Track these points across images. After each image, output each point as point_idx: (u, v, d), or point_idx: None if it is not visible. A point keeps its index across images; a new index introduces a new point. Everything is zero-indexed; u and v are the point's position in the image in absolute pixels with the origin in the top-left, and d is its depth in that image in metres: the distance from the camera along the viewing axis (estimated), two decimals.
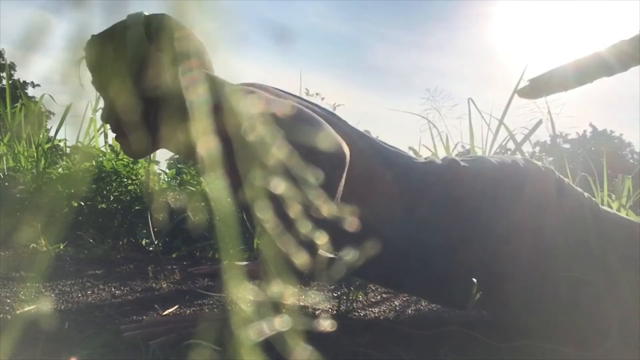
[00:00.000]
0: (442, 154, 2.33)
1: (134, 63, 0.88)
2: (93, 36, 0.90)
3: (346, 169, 0.85)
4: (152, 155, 1.06)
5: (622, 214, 1.77)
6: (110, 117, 0.95)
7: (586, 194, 0.98)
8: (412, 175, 0.94)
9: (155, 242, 1.53)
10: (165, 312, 0.90)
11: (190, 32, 0.86)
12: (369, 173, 0.93)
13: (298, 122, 0.83)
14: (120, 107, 0.87)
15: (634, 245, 0.91)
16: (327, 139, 0.83)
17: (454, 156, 1.02)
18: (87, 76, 0.94)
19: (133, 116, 0.85)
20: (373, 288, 1.26)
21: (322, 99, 2.42)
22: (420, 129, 2.38)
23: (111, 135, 1.08)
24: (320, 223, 0.30)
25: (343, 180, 0.84)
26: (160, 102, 0.87)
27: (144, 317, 0.87)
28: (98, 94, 1.04)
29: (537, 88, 1.34)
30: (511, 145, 2.10)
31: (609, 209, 1.00)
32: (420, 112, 2.37)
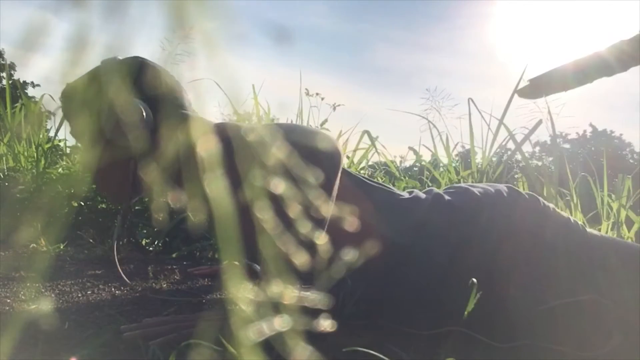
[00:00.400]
0: (442, 154, 2.33)
1: (111, 111, 0.88)
2: (67, 85, 0.90)
3: (341, 168, 0.85)
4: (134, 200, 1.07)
5: (622, 214, 1.77)
6: (90, 166, 0.96)
7: (572, 219, 0.98)
8: (394, 210, 0.95)
9: (155, 242, 1.53)
10: (165, 312, 0.90)
11: (165, 75, 0.88)
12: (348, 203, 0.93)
13: (293, 125, 0.84)
14: (100, 157, 0.87)
15: (625, 262, 0.91)
16: (325, 138, 0.83)
17: (437, 190, 1.01)
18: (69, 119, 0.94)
19: (112, 165, 0.86)
20: None
21: (322, 99, 2.42)
22: (420, 129, 2.38)
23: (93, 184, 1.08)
24: (319, 224, 0.30)
25: (338, 180, 0.85)
26: (140, 151, 0.87)
27: (144, 317, 0.87)
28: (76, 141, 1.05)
29: (537, 88, 1.34)
30: (511, 145, 2.10)
31: (595, 232, 1.00)
32: (420, 112, 2.36)
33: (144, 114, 0.87)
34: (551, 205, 0.99)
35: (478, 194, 0.97)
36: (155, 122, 0.89)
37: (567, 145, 26.27)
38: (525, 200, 0.97)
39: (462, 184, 1.04)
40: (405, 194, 1.00)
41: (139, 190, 0.97)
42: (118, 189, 0.95)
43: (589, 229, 0.98)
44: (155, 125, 0.88)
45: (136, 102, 0.88)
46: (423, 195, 0.99)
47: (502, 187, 1.00)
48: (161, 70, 0.94)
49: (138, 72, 0.92)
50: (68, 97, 0.91)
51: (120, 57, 0.92)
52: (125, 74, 0.91)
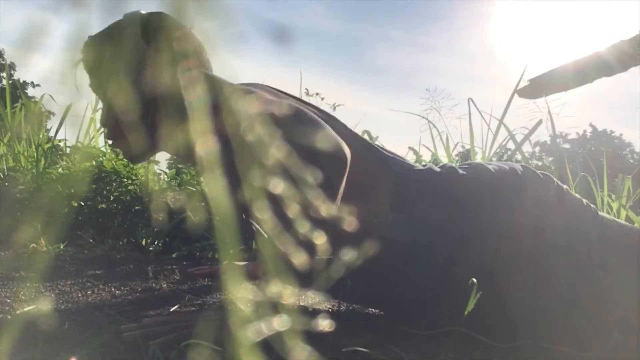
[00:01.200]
0: (442, 154, 2.33)
1: (131, 64, 0.88)
2: (89, 37, 0.90)
3: (347, 170, 0.85)
4: (151, 157, 1.06)
5: (622, 214, 1.77)
6: (109, 119, 0.95)
7: (585, 201, 0.98)
8: (410, 180, 0.94)
9: (155, 242, 1.53)
10: (166, 312, 0.90)
11: (188, 31, 0.86)
12: (367, 177, 0.93)
13: (297, 122, 0.83)
14: (119, 108, 0.86)
15: (633, 248, 0.91)
16: (328, 139, 0.82)
17: (452, 164, 1.02)
18: (85, 78, 0.93)
19: (131, 117, 0.84)
20: None
21: (322, 99, 2.42)
22: (420, 129, 2.38)
23: (109, 142, 1.06)
24: (319, 224, 0.30)
25: (344, 181, 0.84)
26: (158, 103, 0.86)
27: (144, 317, 0.87)
28: (96, 96, 1.04)
29: (537, 88, 1.34)
30: (511, 145, 2.10)
31: (607, 215, 1.00)
32: (420, 112, 2.37)
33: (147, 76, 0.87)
34: (565, 186, 0.99)
35: (492, 170, 0.97)
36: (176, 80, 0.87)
37: (567, 145, 26.27)
38: (539, 178, 0.96)
39: (478, 161, 1.04)
40: (420, 166, 1.00)
41: (157, 143, 0.95)
42: (137, 143, 0.93)
43: (600, 213, 0.98)
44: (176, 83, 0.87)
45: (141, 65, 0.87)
46: (437, 168, 0.99)
47: (517, 166, 1.01)
48: (184, 27, 0.94)
49: (160, 26, 0.91)
50: (91, 48, 0.90)
51: (143, 12, 0.92)
52: (147, 27, 0.90)
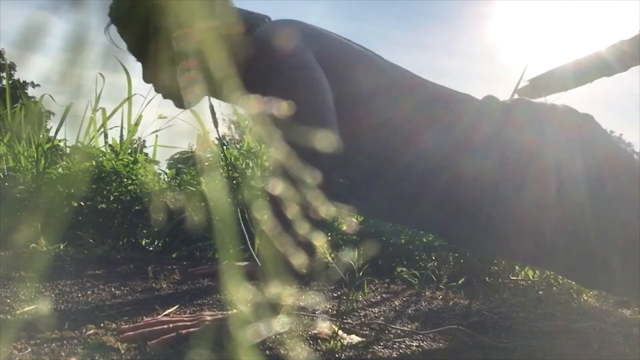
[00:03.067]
0: None
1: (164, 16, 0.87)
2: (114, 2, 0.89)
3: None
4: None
5: None
6: (150, 75, 0.94)
7: (622, 146, 0.99)
8: (434, 105, 0.99)
9: (155, 242, 1.53)
10: (165, 312, 0.90)
11: None
12: (393, 103, 0.97)
13: (298, 122, 0.83)
14: (158, 62, 0.85)
15: (633, 245, 0.91)
16: (327, 139, 0.83)
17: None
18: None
19: (169, 68, 0.83)
20: (373, 288, 1.26)
21: None
22: None
23: (159, 99, 1.05)
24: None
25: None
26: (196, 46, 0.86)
27: (144, 317, 0.87)
28: (136, 57, 1.01)
29: (537, 88, 1.34)
30: None
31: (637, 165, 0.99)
32: None
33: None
34: (604, 128, 0.99)
35: (536, 105, 1.01)
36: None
37: None
38: (578, 116, 0.98)
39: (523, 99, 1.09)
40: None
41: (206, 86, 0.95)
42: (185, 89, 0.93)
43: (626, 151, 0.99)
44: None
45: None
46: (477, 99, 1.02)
47: (560, 105, 1.02)
48: None
49: None
50: (117, 11, 0.90)
51: None
52: None
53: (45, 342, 0.71)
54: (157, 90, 0.98)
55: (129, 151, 1.86)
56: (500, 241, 0.96)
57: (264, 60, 0.86)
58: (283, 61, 0.88)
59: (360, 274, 1.22)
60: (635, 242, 0.90)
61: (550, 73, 1.32)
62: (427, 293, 1.26)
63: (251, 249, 1.20)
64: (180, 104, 1.00)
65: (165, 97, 1.00)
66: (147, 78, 0.97)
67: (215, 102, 1.09)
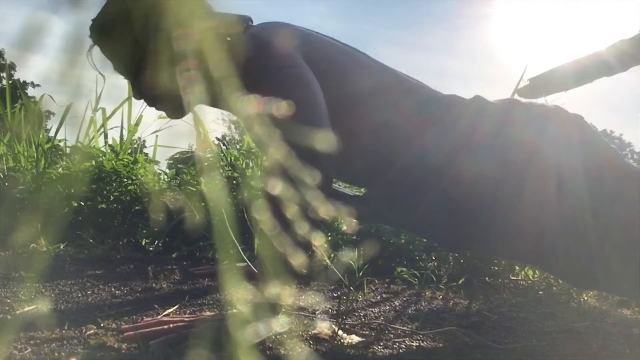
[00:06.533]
0: None
1: (144, 36, 0.86)
2: (93, 21, 0.89)
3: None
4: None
5: None
6: (139, 92, 0.94)
7: (613, 145, 0.98)
8: (433, 106, 0.99)
9: (155, 242, 1.53)
10: (165, 312, 0.90)
11: None
12: (391, 104, 0.97)
13: (297, 122, 0.83)
14: (145, 79, 0.85)
15: (633, 245, 0.91)
16: (326, 139, 0.83)
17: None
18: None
19: (156, 83, 0.83)
20: (373, 288, 1.26)
21: None
22: None
23: (150, 110, 1.05)
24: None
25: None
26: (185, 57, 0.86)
27: (144, 317, 0.87)
28: (122, 75, 1.00)
29: (537, 88, 1.34)
30: None
31: (632, 165, 0.98)
32: None
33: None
34: (593, 128, 1.00)
35: (525, 104, 1.01)
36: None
37: None
38: (568, 115, 0.98)
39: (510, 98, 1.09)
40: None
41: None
42: (173, 104, 0.92)
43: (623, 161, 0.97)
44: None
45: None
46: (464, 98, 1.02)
47: (550, 105, 1.03)
48: None
49: None
50: (98, 32, 0.89)
51: None
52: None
53: (45, 342, 0.71)
54: (150, 102, 0.97)
55: (129, 151, 1.86)
56: (500, 241, 0.96)
57: (256, 62, 0.86)
58: (273, 62, 0.87)
59: (360, 274, 1.22)
60: (636, 242, 0.90)
61: (550, 73, 1.32)
62: (427, 293, 1.26)
63: (250, 249, 1.20)
64: (174, 113, 1.00)
65: (158, 108, 0.99)
66: (137, 94, 0.96)
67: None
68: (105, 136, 2.07)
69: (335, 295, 1.14)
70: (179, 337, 0.73)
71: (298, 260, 0.25)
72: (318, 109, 0.87)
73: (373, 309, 1.06)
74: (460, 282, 1.36)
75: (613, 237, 0.92)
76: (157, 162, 2.01)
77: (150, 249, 1.57)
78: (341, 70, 0.95)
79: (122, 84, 2.05)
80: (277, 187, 0.26)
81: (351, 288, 1.07)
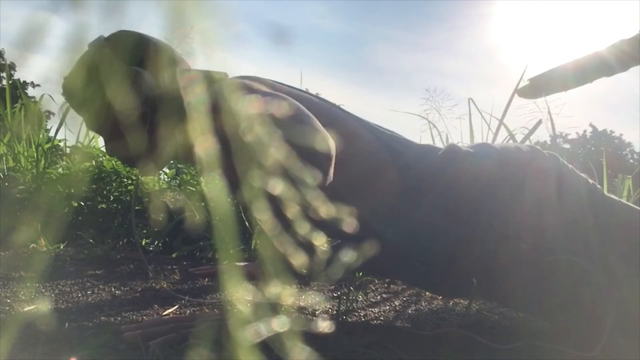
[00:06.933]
0: None
1: (131, 66, 0.87)
2: (65, 79, 0.87)
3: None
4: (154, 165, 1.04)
5: None
6: (103, 124, 0.93)
7: (591, 181, 0.98)
8: (414, 170, 0.95)
9: (155, 242, 1.53)
10: (165, 312, 0.90)
11: (160, 45, 0.88)
12: (372, 171, 0.93)
13: (296, 122, 0.83)
14: (118, 108, 0.85)
15: (633, 244, 0.91)
16: (325, 139, 0.82)
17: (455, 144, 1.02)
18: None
19: (127, 120, 0.83)
20: (373, 288, 1.26)
21: None
22: (420, 129, 2.38)
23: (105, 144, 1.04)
24: (319, 224, 0.30)
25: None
26: (156, 104, 0.86)
27: (144, 317, 0.87)
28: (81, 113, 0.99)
29: (537, 88, 1.34)
30: None
31: (613, 197, 0.99)
32: (420, 113, 2.36)
33: (145, 79, 0.85)
34: (570, 166, 0.99)
35: (498, 147, 0.99)
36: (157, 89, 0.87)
37: (567, 145, 26.24)
38: (545, 158, 0.97)
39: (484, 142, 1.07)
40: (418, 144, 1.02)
41: (154, 145, 0.93)
42: (135, 142, 0.91)
43: (607, 195, 0.98)
44: (157, 92, 0.86)
45: (135, 70, 0.86)
46: (441, 154, 0.99)
47: (524, 145, 1.01)
48: (156, 41, 0.92)
49: (133, 46, 0.89)
50: (69, 92, 0.89)
51: (105, 36, 0.88)
52: (121, 51, 0.89)
53: (45, 342, 0.71)
54: (124, 162, 0.97)
55: None
56: (499, 242, 0.96)
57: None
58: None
59: (361, 274, 1.22)
60: (636, 242, 0.90)
61: (550, 73, 1.32)
62: (427, 293, 1.26)
63: (251, 248, 1.20)
64: (146, 172, 0.98)
65: (131, 165, 0.98)
66: (110, 152, 0.94)
67: None
68: None
69: (335, 295, 1.14)
70: (179, 337, 0.73)
71: (298, 260, 0.25)
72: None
73: (373, 309, 1.06)
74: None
75: (614, 239, 0.92)
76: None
77: (150, 249, 1.57)
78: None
79: None
80: (278, 187, 0.25)
81: (351, 288, 1.07)
